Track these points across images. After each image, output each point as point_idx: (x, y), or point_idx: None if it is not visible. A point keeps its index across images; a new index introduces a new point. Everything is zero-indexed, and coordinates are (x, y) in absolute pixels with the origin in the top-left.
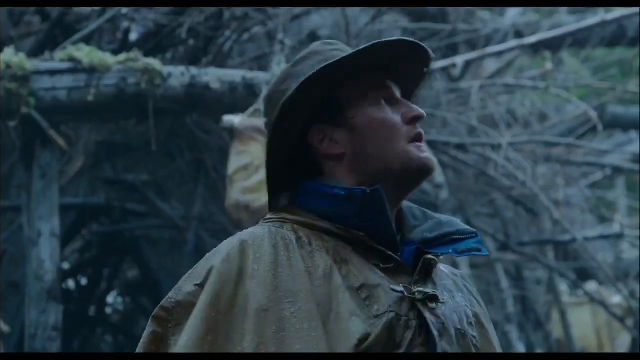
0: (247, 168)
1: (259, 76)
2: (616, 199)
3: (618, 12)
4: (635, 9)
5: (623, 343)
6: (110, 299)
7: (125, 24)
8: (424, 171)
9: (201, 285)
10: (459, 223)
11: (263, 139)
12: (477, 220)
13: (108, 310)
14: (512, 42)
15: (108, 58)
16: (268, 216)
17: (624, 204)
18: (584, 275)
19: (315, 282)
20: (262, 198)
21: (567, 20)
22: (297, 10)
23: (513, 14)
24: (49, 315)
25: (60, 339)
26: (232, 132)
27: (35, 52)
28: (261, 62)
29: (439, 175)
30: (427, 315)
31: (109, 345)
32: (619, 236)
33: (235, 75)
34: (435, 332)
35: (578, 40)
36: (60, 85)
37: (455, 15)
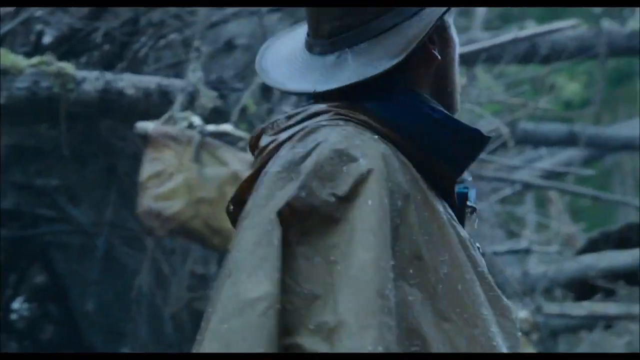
0: (160, 175)
1: (174, 83)
2: (525, 214)
3: (530, 30)
4: (546, 28)
5: None
6: (16, 304)
7: (39, 27)
8: None
9: (346, 199)
10: None
11: (177, 146)
12: None
13: (13, 316)
14: None
15: (20, 61)
16: (334, 108)
17: (532, 219)
18: None
19: (449, 228)
20: (174, 205)
21: (481, 36)
22: (214, 17)
23: None
24: None
25: None
26: (146, 139)
27: None
28: (177, 69)
29: None
30: None
31: (13, 352)
32: (527, 251)
33: (150, 81)
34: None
35: (492, 56)
36: None
37: None
